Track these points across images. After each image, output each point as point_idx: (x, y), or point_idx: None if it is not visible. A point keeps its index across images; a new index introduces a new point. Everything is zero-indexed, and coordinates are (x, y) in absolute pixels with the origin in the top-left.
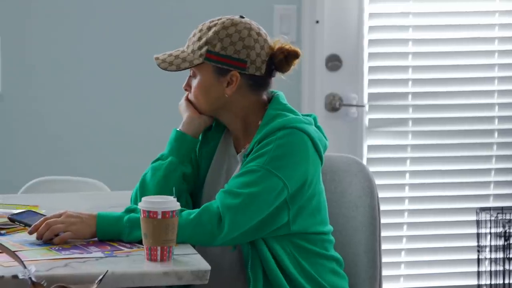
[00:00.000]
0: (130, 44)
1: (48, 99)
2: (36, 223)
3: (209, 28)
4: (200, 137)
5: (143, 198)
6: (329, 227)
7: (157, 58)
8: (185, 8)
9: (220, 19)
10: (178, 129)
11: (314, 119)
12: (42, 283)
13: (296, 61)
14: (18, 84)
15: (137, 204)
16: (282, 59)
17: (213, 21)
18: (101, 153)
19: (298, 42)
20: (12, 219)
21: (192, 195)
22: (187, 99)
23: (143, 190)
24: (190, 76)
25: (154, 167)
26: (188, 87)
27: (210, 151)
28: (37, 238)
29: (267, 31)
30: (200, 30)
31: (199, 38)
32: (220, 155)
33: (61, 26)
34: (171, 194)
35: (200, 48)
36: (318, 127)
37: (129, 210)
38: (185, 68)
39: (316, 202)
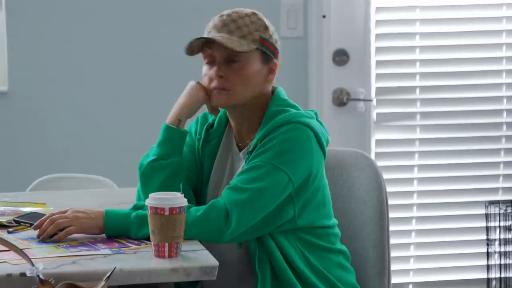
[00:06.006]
0: (136, 42)
1: (55, 96)
2: (41, 219)
3: (248, 16)
4: (202, 135)
5: (150, 195)
6: (334, 221)
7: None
8: (192, 2)
9: (246, 10)
10: (167, 123)
11: (316, 113)
12: (50, 280)
13: None
14: (25, 81)
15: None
16: None
17: (242, 11)
18: (109, 150)
19: (305, 36)
20: (17, 220)
21: (196, 193)
22: (202, 88)
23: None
24: (207, 64)
25: (155, 167)
26: (223, 73)
27: (213, 149)
28: (38, 236)
29: (274, 26)
30: (235, 20)
31: (245, 25)
32: (223, 152)
33: (67, 24)
34: (178, 190)
35: (250, 33)
36: (319, 122)
37: (136, 207)
38: (243, 51)
39: (320, 195)
